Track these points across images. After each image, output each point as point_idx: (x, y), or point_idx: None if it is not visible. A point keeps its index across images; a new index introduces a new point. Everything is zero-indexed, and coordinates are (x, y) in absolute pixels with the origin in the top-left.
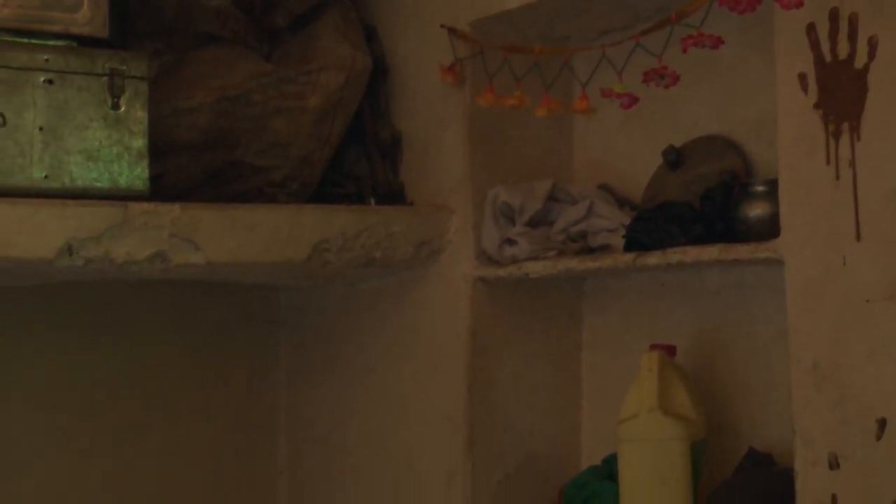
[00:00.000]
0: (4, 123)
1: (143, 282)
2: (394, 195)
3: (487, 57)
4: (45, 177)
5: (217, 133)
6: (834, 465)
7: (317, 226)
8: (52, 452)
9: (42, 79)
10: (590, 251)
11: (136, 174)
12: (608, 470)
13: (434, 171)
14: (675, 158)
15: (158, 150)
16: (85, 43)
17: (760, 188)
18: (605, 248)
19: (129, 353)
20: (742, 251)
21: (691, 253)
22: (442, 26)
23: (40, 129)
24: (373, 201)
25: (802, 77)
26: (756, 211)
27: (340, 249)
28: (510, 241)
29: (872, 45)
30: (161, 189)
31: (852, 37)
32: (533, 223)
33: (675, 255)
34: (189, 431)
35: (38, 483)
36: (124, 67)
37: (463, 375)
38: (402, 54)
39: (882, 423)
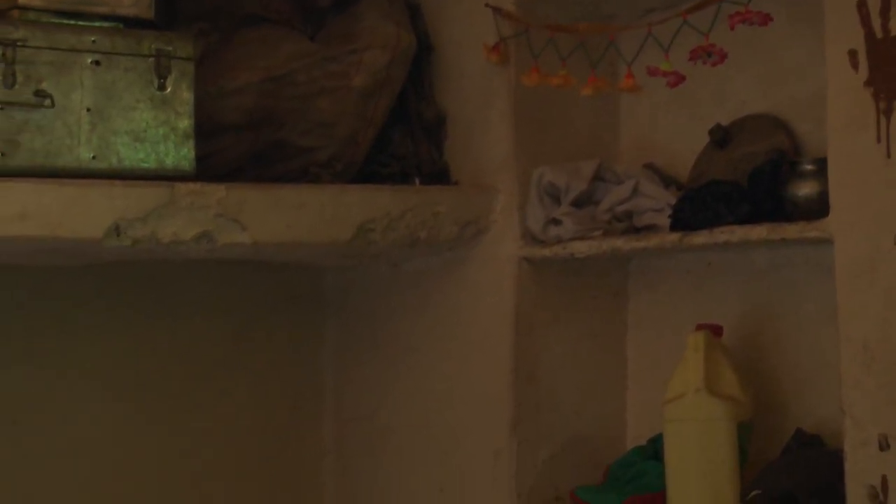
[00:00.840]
0: (53, 104)
1: (190, 262)
2: (438, 175)
3: (532, 36)
4: (93, 157)
5: (262, 113)
6: (884, 445)
7: (361, 206)
8: (102, 430)
9: (89, 60)
10: (635, 231)
11: (182, 155)
12: (654, 450)
13: (479, 151)
14: (721, 137)
15: (204, 131)
16: (131, 24)
17: (809, 167)
18: (650, 228)
19: (176, 333)
20: (790, 231)
21: (738, 232)
22: (486, 5)
23: (88, 109)
24: (417, 181)
25: (853, 54)
26: (805, 190)
27: (385, 229)
28: (555, 221)
29: None
30: (207, 170)
31: None
32: (578, 203)
33: (722, 234)
34: (235, 411)
35: (92, 460)
36: (170, 48)
37: (508, 355)
38: (447, 33)
39: None
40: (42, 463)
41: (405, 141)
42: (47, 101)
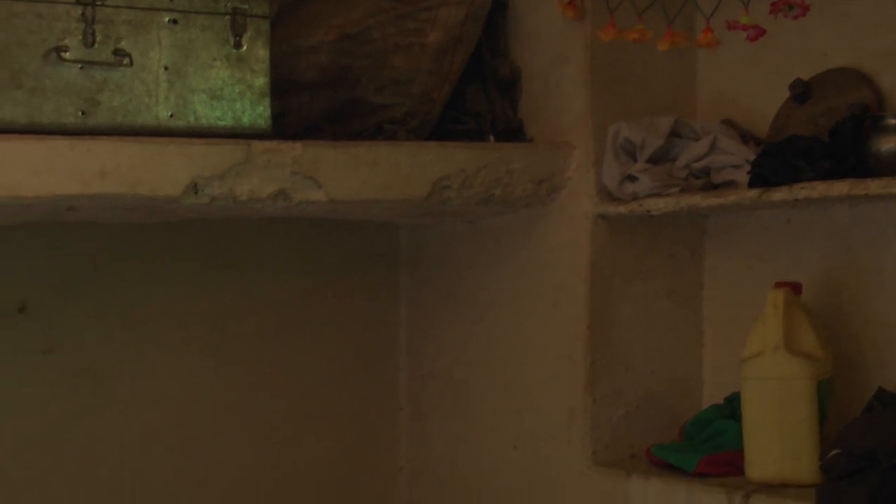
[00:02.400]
0: (131, 63)
1: (266, 219)
2: (513, 132)
3: None
4: (171, 116)
5: (337, 71)
6: None
7: (437, 163)
8: (178, 385)
9: (167, 19)
10: (713, 187)
11: (258, 113)
12: (730, 409)
13: (554, 107)
14: (802, 92)
15: (280, 89)
16: None
17: (893, 121)
18: (729, 185)
19: (251, 291)
20: (873, 186)
21: (819, 188)
22: None
23: (165, 68)
24: (492, 138)
25: None
26: (888, 145)
27: (460, 186)
28: (631, 178)
29: None
30: (282, 128)
31: None
32: (655, 159)
33: (803, 190)
34: (310, 369)
35: (167, 414)
36: (246, 6)
37: (583, 313)
38: None
39: None
40: (119, 416)
41: (480, 98)
42: (126, 60)
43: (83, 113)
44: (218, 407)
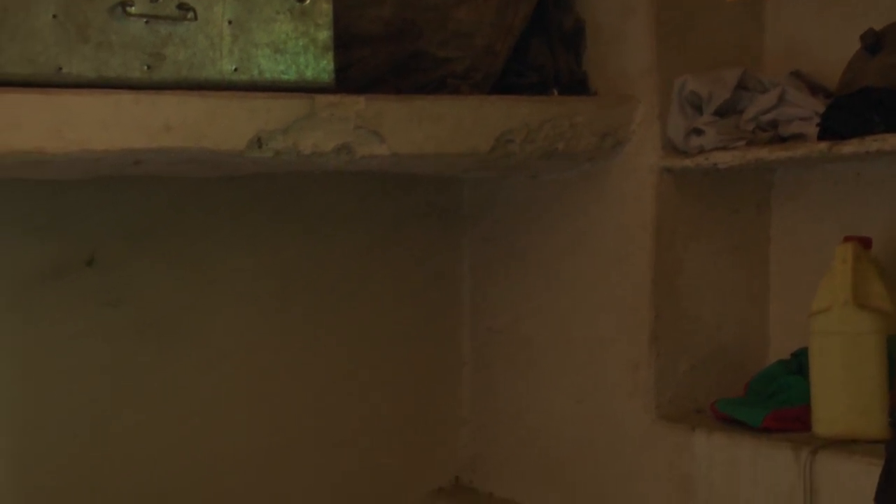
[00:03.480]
0: (196, 17)
1: (329, 174)
2: (577, 85)
3: None
4: (235, 70)
5: (400, 24)
6: None
7: (500, 117)
8: (241, 339)
9: None
10: (781, 140)
11: (321, 66)
12: (797, 364)
13: (618, 60)
14: (874, 42)
15: (342, 43)
16: None
17: None
18: (797, 137)
19: (314, 245)
20: None
21: (891, 141)
22: None
23: (229, 22)
24: (556, 91)
25: None
26: None
27: (523, 140)
28: (697, 131)
29: None
30: (346, 81)
31: None
32: (721, 112)
33: (874, 143)
34: (373, 323)
35: (232, 368)
36: None
37: (648, 267)
38: None
39: None
40: (185, 368)
41: (543, 51)
42: (190, 14)
43: (148, 67)
44: (283, 360)
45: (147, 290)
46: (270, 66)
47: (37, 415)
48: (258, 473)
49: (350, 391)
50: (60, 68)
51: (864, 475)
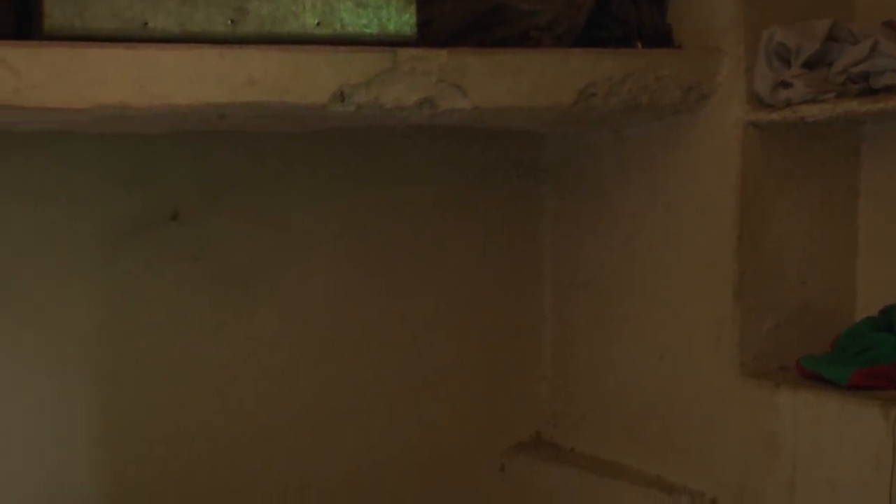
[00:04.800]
0: None
1: (410, 128)
2: (661, 38)
3: None
4: (318, 24)
5: None
6: None
7: (583, 70)
8: (325, 292)
9: None
10: (872, 93)
11: (403, 20)
12: (887, 321)
13: (704, 12)
14: None
15: None
16: None
17: None
18: (889, 90)
19: (395, 200)
20: None
21: None
22: None
23: None
24: (639, 45)
25: None
26: None
27: (607, 94)
28: (785, 84)
29: None
30: (428, 35)
31: None
32: (810, 64)
33: None
34: (453, 278)
35: (314, 320)
36: None
37: (732, 223)
38: None
39: None
40: (266, 321)
41: (627, 4)
42: None
43: (232, 21)
44: (362, 314)
45: (229, 245)
46: (353, 20)
47: (120, 367)
48: (337, 427)
49: (429, 347)
50: (146, 23)
51: None
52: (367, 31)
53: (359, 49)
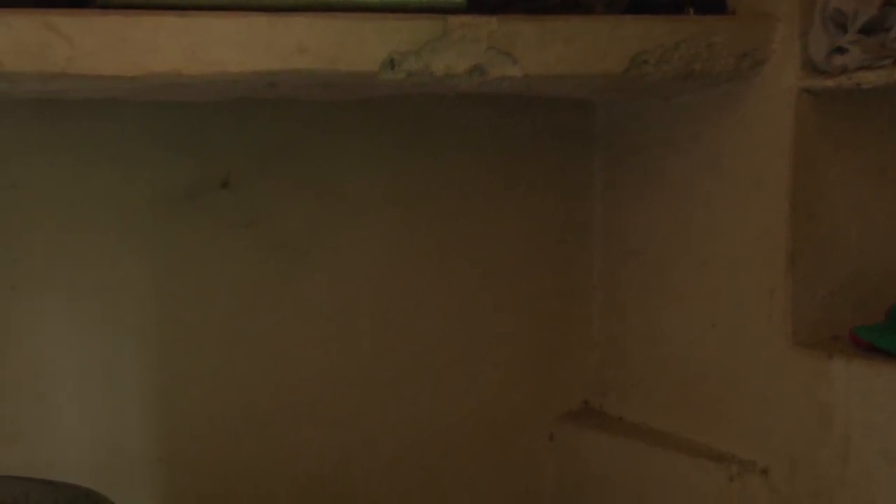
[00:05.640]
0: None
1: (459, 97)
2: (714, 4)
3: None
4: None
5: None
6: None
7: (635, 37)
8: (373, 261)
9: None
10: None
11: None
12: None
13: None
14: None
15: None
16: None
17: None
18: None
19: (444, 168)
20: None
21: None
22: None
23: None
24: (692, 11)
25: None
26: None
27: (658, 61)
28: (840, 50)
29: None
30: (477, 2)
31: None
32: (867, 30)
33: None
34: (502, 246)
35: (363, 289)
36: None
37: (785, 190)
38: None
39: None
40: (316, 289)
41: None
42: None
43: None
44: (413, 281)
45: (279, 212)
46: None
47: (172, 333)
48: (386, 394)
49: (477, 314)
50: None
51: None
52: None
53: (409, 16)
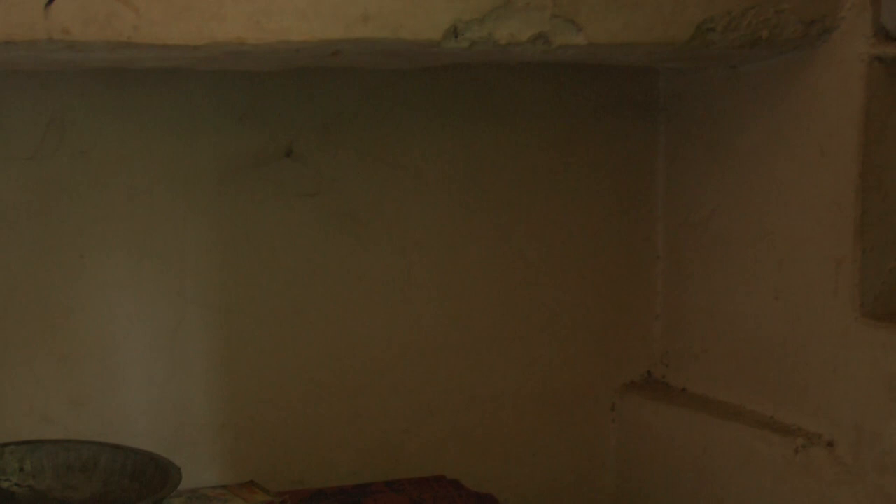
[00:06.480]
0: None
1: (522, 65)
2: None
3: None
4: None
5: None
6: None
7: (701, 4)
8: (437, 229)
9: None
10: None
11: None
12: None
13: None
14: None
15: None
16: None
17: None
18: None
19: (507, 137)
20: None
21: None
22: None
23: None
24: None
25: None
26: None
27: (725, 29)
28: None
29: None
30: None
31: None
32: None
33: None
34: (564, 215)
35: (426, 257)
36: None
37: (854, 160)
38: None
39: None
40: (379, 257)
41: None
42: None
43: None
44: (475, 250)
45: (342, 181)
46: None
47: (236, 300)
48: (449, 363)
49: (540, 284)
50: None
51: None
52: None
53: None
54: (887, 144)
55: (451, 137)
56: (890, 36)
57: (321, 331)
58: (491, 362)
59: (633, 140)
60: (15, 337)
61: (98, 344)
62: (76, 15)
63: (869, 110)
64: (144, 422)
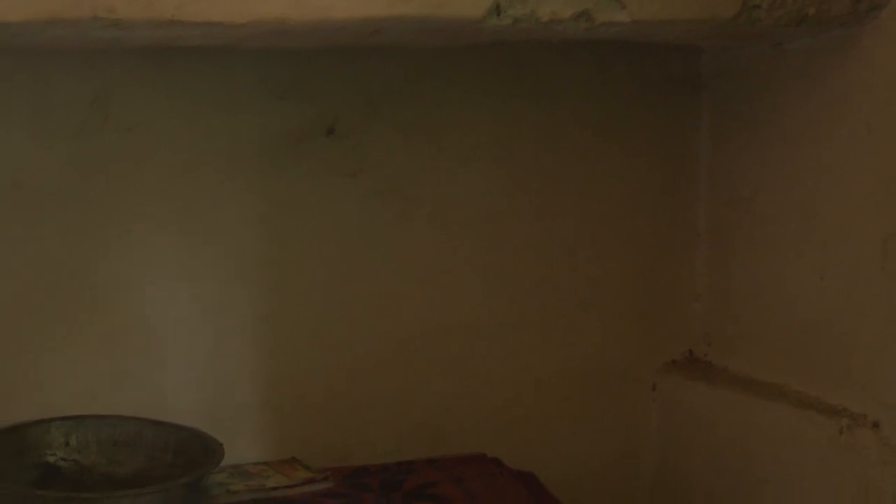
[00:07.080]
0: None
1: (565, 43)
2: None
3: None
4: None
5: None
6: None
7: None
8: (480, 208)
9: None
10: None
11: None
12: None
13: None
14: None
15: None
16: None
17: None
18: None
19: (548, 115)
20: None
21: None
22: None
23: None
24: None
25: None
26: None
27: (771, 6)
28: None
29: None
30: None
31: None
32: None
33: None
34: (606, 193)
35: (469, 235)
36: None
37: None
38: None
39: None
40: (421, 237)
41: None
42: None
43: None
44: (518, 229)
45: (384, 160)
46: None
47: (281, 278)
48: (490, 341)
49: (582, 262)
50: None
51: None
52: None
53: None
54: None
55: (493, 116)
56: None
57: (363, 309)
58: (532, 341)
59: (676, 118)
60: (60, 314)
61: (142, 321)
62: None
63: None
64: (188, 398)
